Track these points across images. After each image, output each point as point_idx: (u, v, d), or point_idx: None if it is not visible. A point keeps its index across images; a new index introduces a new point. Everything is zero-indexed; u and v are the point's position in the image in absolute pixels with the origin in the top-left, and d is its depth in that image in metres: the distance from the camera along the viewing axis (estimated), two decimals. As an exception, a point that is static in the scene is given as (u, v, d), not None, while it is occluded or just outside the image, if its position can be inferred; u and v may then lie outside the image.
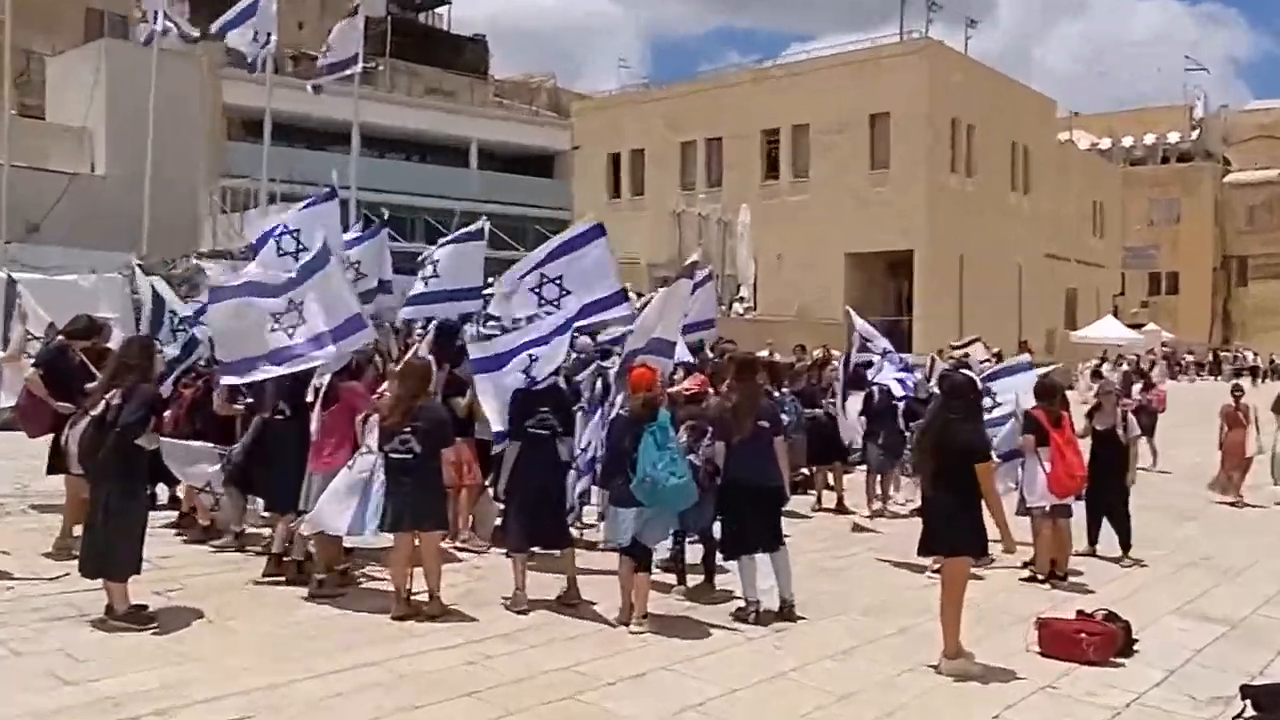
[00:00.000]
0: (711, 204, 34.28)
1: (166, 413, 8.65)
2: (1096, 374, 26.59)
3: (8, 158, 18.49)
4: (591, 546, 8.91)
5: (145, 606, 6.29)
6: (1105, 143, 62.76)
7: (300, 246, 8.42)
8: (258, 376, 7.34)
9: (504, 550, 7.59)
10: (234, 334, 7.34)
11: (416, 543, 6.84)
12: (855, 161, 37.14)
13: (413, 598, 6.82)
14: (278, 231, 8.61)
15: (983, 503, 6.09)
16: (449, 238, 10.01)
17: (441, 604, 6.82)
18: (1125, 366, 22.51)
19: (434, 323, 9.64)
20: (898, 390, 10.61)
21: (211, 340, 7.83)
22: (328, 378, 7.20)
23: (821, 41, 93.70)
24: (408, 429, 6.66)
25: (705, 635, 6.73)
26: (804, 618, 7.20)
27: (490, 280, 9.43)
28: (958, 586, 6.22)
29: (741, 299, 32.47)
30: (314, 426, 7.20)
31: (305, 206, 9.11)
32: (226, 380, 7.61)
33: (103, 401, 6.22)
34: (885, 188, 36.49)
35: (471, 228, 10.01)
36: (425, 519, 6.76)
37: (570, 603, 7.18)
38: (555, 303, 7.79)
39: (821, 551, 9.37)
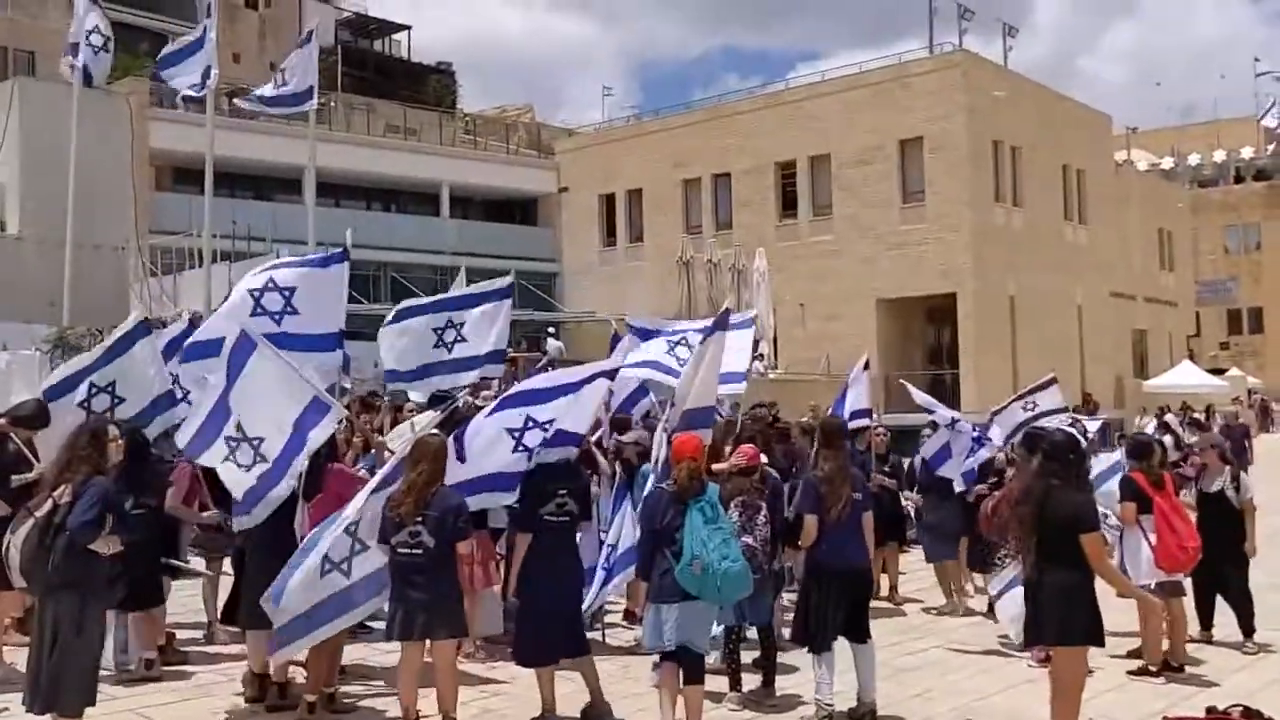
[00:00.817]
0: (722, 249, 34.42)
1: (170, 490, 8.56)
2: (1197, 425, 26.73)
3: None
4: (629, 650, 8.80)
5: None
6: (1168, 162, 63.37)
7: (288, 310, 8.34)
8: (253, 517, 7.18)
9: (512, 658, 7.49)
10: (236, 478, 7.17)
11: (427, 656, 6.68)
12: (885, 195, 37.40)
13: (421, 721, 6.66)
14: (262, 285, 8.47)
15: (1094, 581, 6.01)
16: (472, 293, 9.85)
17: None
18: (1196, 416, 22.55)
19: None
20: (959, 485, 10.60)
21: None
22: (306, 461, 7.10)
23: (833, 60, 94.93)
24: (419, 519, 6.54)
25: (772, 753, 6.58)
26: (886, 726, 7.11)
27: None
28: (1073, 683, 6.12)
29: (760, 356, 32.47)
30: (298, 522, 7.08)
31: (305, 264, 8.95)
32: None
33: (49, 501, 6.06)
34: (921, 224, 36.69)
35: (500, 283, 9.89)
36: (440, 627, 6.60)
37: (599, 716, 7.06)
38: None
39: (891, 647, 9.22)
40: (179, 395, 8.64)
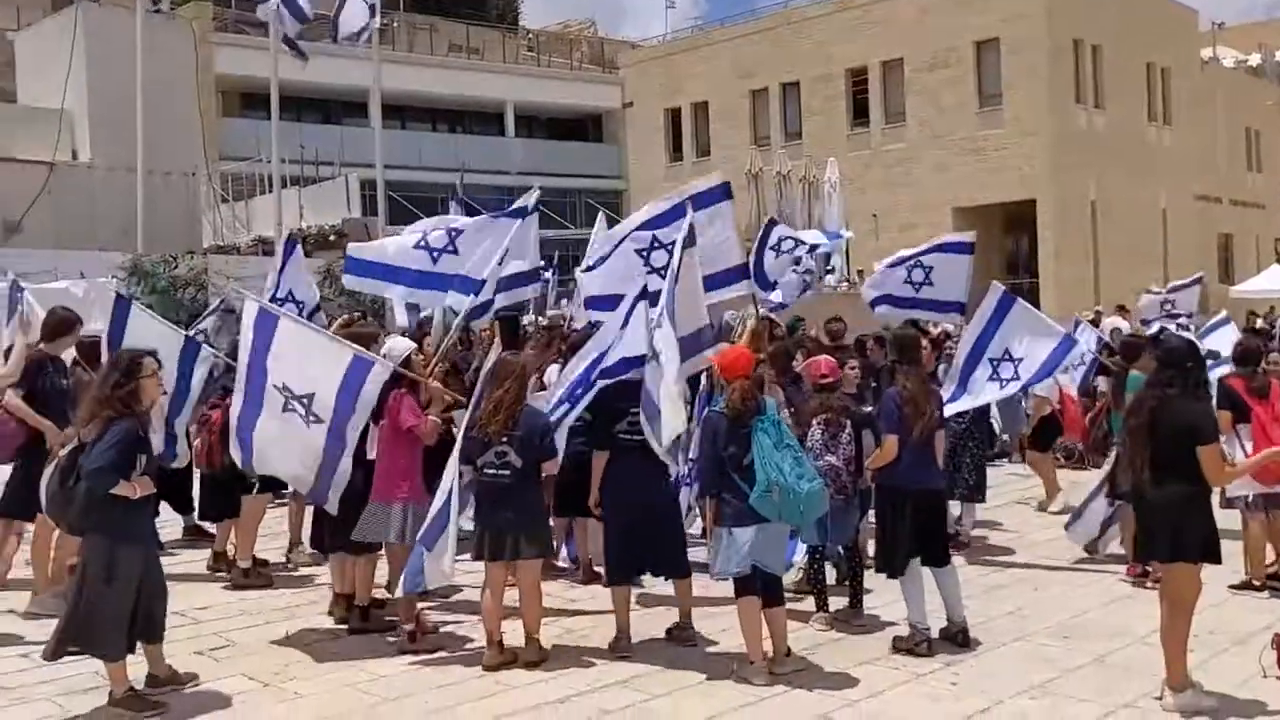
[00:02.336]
0: (792, 160, 33.71)
1: (196, 442, 8.53)
2: (1254, 332, 25.76)
3: (-21, 151, 18.66)
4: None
5: (140, 692, 5.89)
6: (1255, 59, 60.84)
7: (449, 248, 8.33)
8: (333, 495, 7.01)
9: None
10: (281, 456, 7.07)
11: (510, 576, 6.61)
12: (960, 100, 36.41)
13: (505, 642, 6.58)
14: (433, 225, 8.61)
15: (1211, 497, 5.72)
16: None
17: (541, 647, 6.60)
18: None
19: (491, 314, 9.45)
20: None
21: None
22: (362, 424, 6.93)
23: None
24: (504, 438, 6.43)
25: (865, 673, 6.43)
26: (981, 643, 6.92)
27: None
28: (1186, 601, 5.84)
29: (833, 269, 31.95)
30: (369, 441, 6.99)
31: (495, 215, 8.85)
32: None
33: (74, 440, 5.93)
34: (998, 129, 35.72)
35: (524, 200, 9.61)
36: (530, 545, 6.52)
37: (686, 640, 6.95)
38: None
39: (975, 565, 8.99)
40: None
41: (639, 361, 6.89)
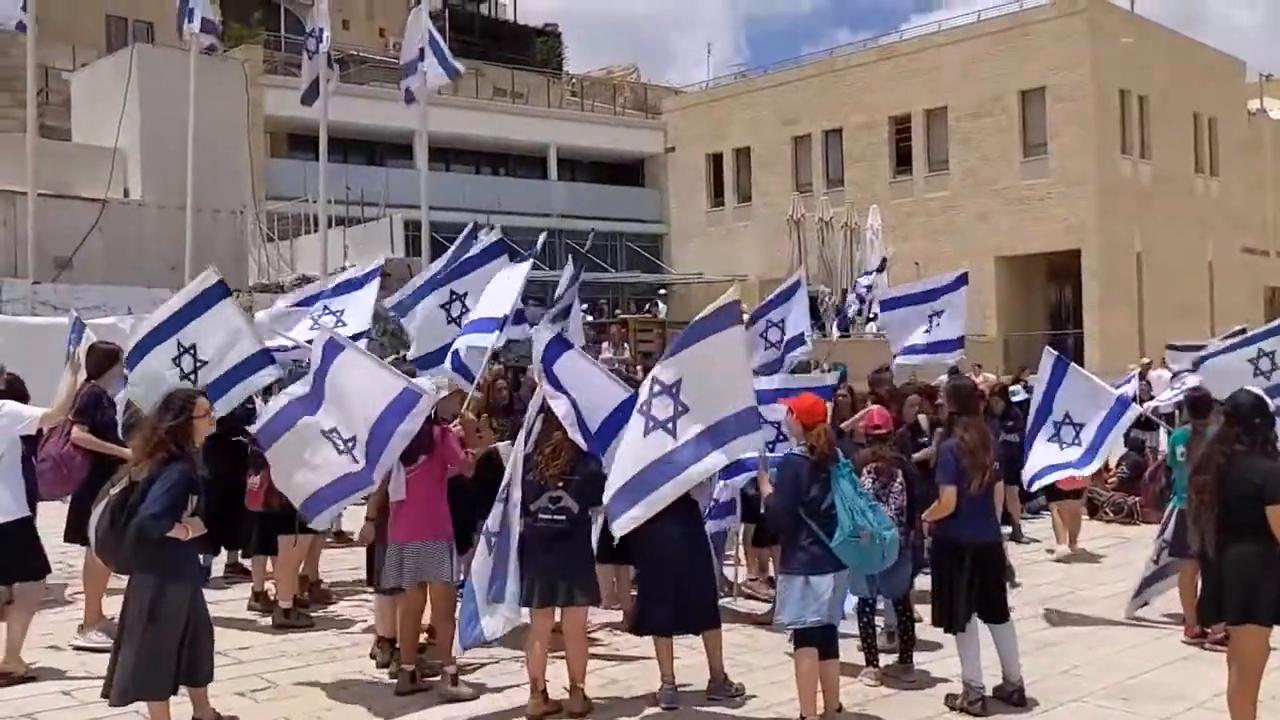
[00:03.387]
0: (834, 207, 33.73)
1: (256, 480, 8.45)
2: None
3: (33, 188, 18.89)
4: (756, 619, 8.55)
5: None
6: (1303, 111, 60.47)
7: (464, 310, 8.79)
8: (329, 514, 7.00)
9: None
10: (293, 461, 6.94)
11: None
12: (1004, 148, 36.31)
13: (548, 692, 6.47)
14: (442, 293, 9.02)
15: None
16: (463, 260, 9.65)
17: (586, 697, 6.49)
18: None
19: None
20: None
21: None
22: (394, 457, 6.81)
23: (949, 9, 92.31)
24: (560, 484, 6.38)
25: (916, 732, 6.25)
26: (1036, 703, 6.75)
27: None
28: (1256, 664, 5.64)
29: (874, 317, 31.81)
30: (393, 487, 6.84)
31: (472, 263, 9.27)
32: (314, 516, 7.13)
33: (126, 479, 5.87)
34: (1043, 178, 35.56)
35: (484, 241, 9.80)
36: (581, 593, 6.45)
37: (726, 694, 6.79)
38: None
39: (1030, 620, 8.78)
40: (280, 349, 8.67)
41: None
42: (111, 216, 21.22)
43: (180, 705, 5.88)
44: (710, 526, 7.59)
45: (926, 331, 11.84)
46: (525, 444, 6.53)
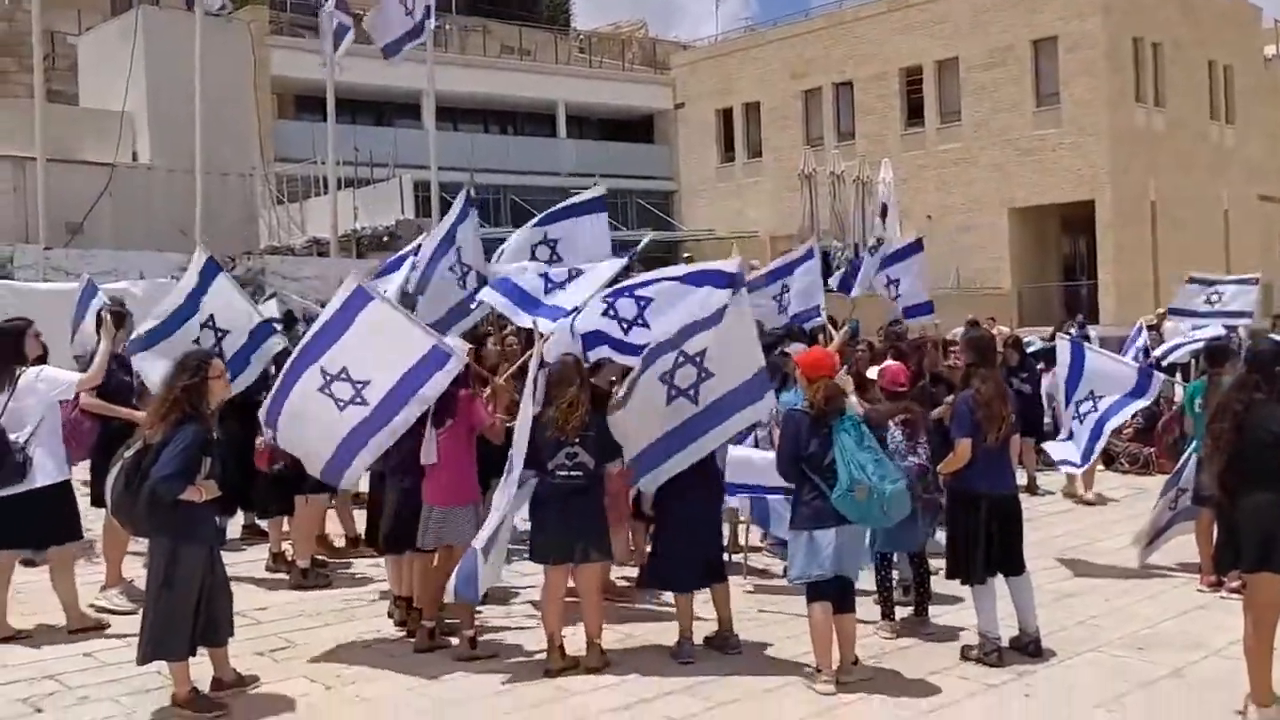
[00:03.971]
0: (845, 160, 33.47)
1: (259, 441, 8.51)
2: None
3: (42, 153, 18.86)
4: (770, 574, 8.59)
5: (203, 694, 5.85)
6: (1320, 57, 59.71)
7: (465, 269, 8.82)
8: (366, 460, 6.82)
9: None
10: (309, 436, 6.83)
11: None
12: (1017, 99, 35.90)
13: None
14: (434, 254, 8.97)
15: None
16: (561, 208, 9.64)
17: (603, 652, 6.51)
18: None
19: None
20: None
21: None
22: (414, 414, 6.79)
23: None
24: (578, 440, 6.38)
25: (933, 684, 6.28)
26: (1053, 653, 6.76)
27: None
28: (1270, 611, 5.62)
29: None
30: (425, 450, 6.87)
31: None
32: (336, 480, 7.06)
33: (140, 442, 5.86)
34: (1056, 128, 35.19)
35: (588, 194, 9.66)
36: (596, 550, 6.49)
37: (731, 647, 6.83)
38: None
39: (1046, 571, 8.78)
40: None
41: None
42: (121, 181, 21.21)
43: (200, 665, 5.92)
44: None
45: (892, 298, 11.98)
46: (531, 404, 6.50)
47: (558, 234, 9.25)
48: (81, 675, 6.38)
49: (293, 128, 34.16)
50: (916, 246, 12.33)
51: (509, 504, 6.38)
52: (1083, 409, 9.37)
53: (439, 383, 6.56)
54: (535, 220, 9.57)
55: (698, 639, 6.85)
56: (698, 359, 6.58)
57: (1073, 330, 14.99)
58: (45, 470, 6.99)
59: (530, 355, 7.03)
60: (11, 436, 6.89)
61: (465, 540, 6.66)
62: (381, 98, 36.24)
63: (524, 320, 8.01)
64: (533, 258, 9.06)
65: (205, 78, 19.38)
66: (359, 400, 6.57)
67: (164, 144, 21.97)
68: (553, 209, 9.62)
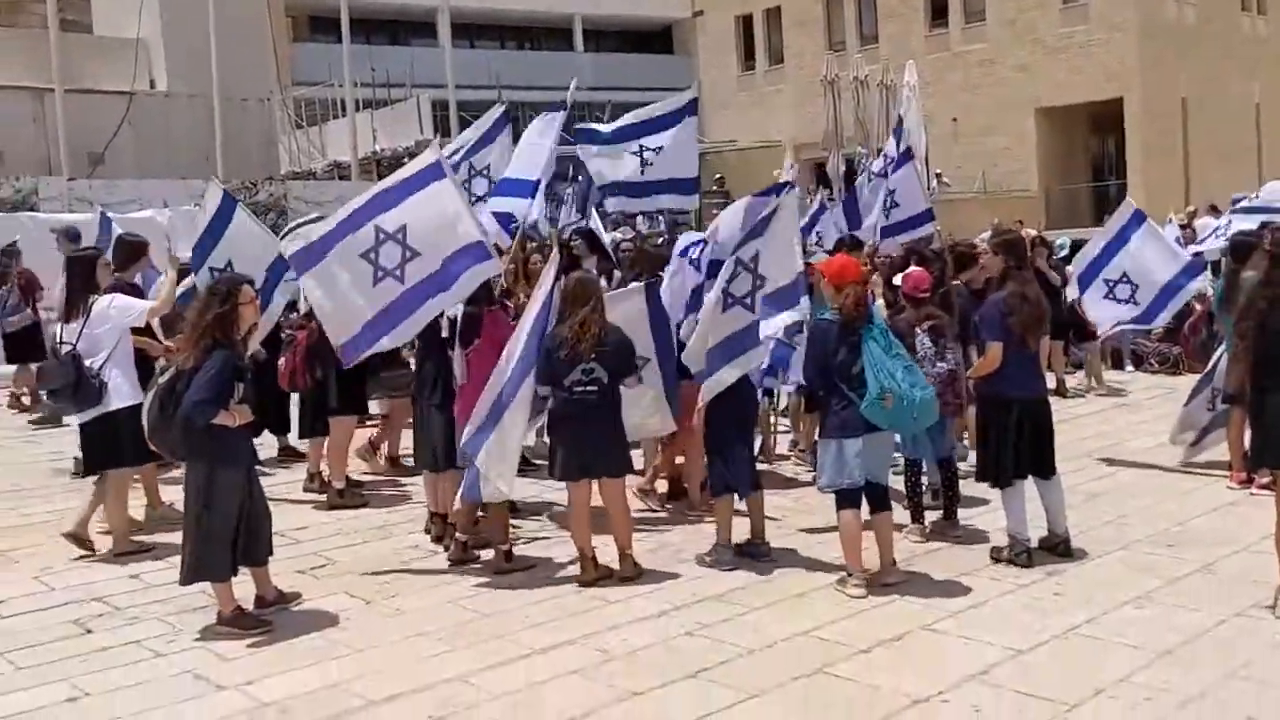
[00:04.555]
0: (868, 65, 32.93)
1: (280, 362, 8.67)
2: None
3: (60, 83, 18.84)
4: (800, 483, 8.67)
5: (247, 611, 5.98)
6: (1358, -59, 57.95)
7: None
8: (384, 345, 6.86)
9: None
10: (338, 305, 6.70)
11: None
12: (1043, -5, 35.21)
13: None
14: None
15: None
16: (660, 111, 9.65)
17: (636, 563, 6.62)
18: None
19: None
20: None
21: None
22: (460, 306, 6.93)
23: None
24: (593, 356, 6.40)
25: (964, 585, 6.35)
26: (1083, 553, 6.81)
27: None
28: (1301, 507, 5.63)
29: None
30: (456, 370, 6.96)
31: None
32: (351, 360, 6.98)
33: (173, 368, 5.94)
34: (1083, 25, 34.50)
35: (684, 96, 9.80)
36: (614, 465, 6.56)
37: (762, 555, 6.91)
38: None
39: (1076, 472, 8.81)
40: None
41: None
42: (140, 109, 21.19)
43: (244, 584, 6.07)
44: None
45: (886, 213, 11.78)
46: (547, 320, 6.56)
47: (656, 143, 9.46)
48: (129, 596, 6.55)
49: (309, 50, 33.93)
50: (907, 156, 12.19)
51: (505, 413, 6.41)
52: (1119, 292, 9.31)
53: (471, 281, 6.62)
54: (617, 132, 9.64)
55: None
56: (752, 265, 6.72)
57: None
58: (121, 393, 7.22)
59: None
60: (87, 362, 7.18)
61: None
62: (396, 16, 35.90)
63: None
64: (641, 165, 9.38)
65: (219, 1, 19.26)
66: (398, 274, 6.55)
67: (181, 71, 21.92)
68: (643, 118, 9.72)
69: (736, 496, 6.92)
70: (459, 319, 6.96)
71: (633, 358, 6.60)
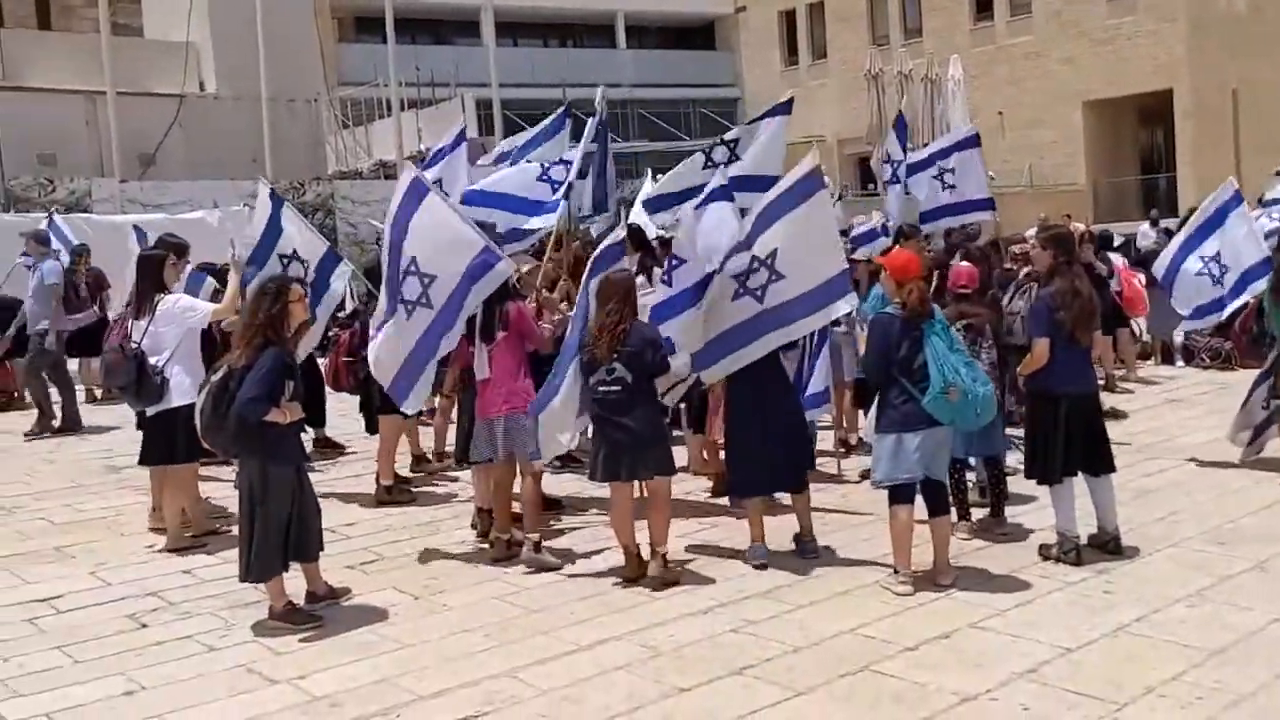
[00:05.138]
0: (913, 59, 32.69)
1: (322, 361, 8.79)
2: None
3: (112, 86, 19.11)
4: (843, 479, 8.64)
5: (298, 606, 6.07)
6: None
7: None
8: (419, 391, 7.04)
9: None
10: (384, 353, 7.05)
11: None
12: (1090, -14, 34.79)
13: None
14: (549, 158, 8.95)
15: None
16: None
17: (667, 563, 6.52)
18: None
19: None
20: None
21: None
22: (466, 317, 6.91)
23: None
24: (614, 355, 6.37)
25: (1013, 582, 6.30)
26: (1134, 550, 6.73)
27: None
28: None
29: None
30: (477, 365, 7.00)
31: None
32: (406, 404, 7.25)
33: (225, 367, 6.02)
34: (1131, 15, 34.05)
35: (783, 98, 9.89)
36: (645, 465, 6.47)
37: (810, 552, 6.87)
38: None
39: (1127, 469, 8.70)
40: None
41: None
42: (190, 111, 21.47)
43: (294, 579, 6.14)
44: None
45: (943, 191, 11.75)
46: (584, 310, 6.68)
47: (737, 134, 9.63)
48: (183, 591, 6.65)
49: (354, 50, 34.20)
50: (974, 140, 12.09)
51: (566, 375, 6.57)
52: (1212, 269, 9.22)
53: (489, 284, 6.70)
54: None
55: (786, 545, 6.94)
56: (769, 261, 6.72)
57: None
58: (181, 390, 7.38)
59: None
60: (151, 359, 7.40)
61: (529, 448, 6.81)
62: (440, 16, 36.09)
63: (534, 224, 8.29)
64: (708, 163, 9.31)
65: (266, 4, 19.48)
66: (425, 301, 6.73)
67: (229, 73, 22.17)
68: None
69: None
70: (479, 314, 6.97)
71: (658, 354, 6.50)
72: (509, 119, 26.34)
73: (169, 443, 7.42)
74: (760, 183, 8.50)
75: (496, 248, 6.89)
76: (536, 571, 6.76)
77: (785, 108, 9.64)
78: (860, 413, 9.23)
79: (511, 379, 6.93)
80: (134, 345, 7.47)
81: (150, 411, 7.48)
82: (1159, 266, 9.82)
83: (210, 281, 9.12)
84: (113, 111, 18.81)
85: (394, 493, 8.66)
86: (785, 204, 6.76)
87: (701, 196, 7.31)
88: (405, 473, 9.34)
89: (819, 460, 9.28)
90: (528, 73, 34.74)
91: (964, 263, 7.74)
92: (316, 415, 10.02)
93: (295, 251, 8.55)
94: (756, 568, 6.68)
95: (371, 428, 9.18)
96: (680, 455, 8.31)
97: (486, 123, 24.88)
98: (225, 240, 15.11)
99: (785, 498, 7.14)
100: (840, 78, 39.16)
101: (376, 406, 8.74)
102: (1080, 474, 6.68)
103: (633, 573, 6.50)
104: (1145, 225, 23.59)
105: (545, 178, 9.23)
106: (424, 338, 6.80)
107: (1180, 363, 14.07)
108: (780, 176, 7.86)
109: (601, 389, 6.43)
